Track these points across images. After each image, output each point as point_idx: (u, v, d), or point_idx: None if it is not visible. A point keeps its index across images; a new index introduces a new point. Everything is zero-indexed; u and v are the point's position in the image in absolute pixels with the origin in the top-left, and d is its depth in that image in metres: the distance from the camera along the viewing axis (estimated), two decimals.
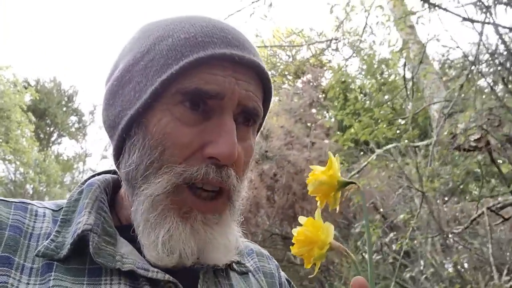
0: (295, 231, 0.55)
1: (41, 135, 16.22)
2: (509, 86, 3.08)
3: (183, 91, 0.60)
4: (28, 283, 0.56)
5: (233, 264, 0.72)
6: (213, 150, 0.59)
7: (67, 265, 0.59)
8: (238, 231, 0.68)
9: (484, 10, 3.34)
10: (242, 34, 0.66)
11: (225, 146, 0.58)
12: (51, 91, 16.62)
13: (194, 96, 0.60)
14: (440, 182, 3.79)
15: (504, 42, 3.27)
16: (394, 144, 4.16)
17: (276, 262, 0.86)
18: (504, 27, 3.75)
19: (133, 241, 0.62)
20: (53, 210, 0.67)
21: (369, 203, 5.63)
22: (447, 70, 4.66)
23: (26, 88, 12.59)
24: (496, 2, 4.20)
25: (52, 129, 16.89)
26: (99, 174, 0.73)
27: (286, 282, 0.84)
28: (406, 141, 4.08)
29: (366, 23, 4.66)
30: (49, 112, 16.16)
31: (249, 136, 0.66)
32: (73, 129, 17.58)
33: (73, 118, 17.75)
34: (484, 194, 4.98)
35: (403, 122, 4.94)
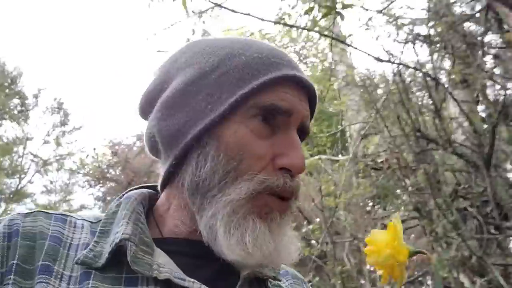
0: None
1: None
2: (403, 123, 3.56)
3: (259, 105, 0.64)
4: None
5: (269, 281, 0.72)
6: (285, 161, 0.64)
7: (105, 273, 0.60)
8: (295, 235, 0.69)
9: (390, 52, 3.81)
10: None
11: (295, 158, 0.64)
12: None
13: (269, 111, 0.64)
14: (345, 197, 4.28)
15: (402, 81, 3.75)
16: (311, 158, 4.61)
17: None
18: (409, 67, 4.26)
19: (171, 253, 0.64)
20: (91, 222, 0.69)
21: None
22: (366, 94, 5.17)
23: None
24: (410, 39, 4.73)
25: None
26: (136, 188, 0.76)
27: None
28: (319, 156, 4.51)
29: (306, 37, 5.08)
30: None
31: None
32: (15, 112, 17.02)
33: (16, 101, 17.18)
34: (399, 206, 5.54)
35: (323, 137, 5.41)
